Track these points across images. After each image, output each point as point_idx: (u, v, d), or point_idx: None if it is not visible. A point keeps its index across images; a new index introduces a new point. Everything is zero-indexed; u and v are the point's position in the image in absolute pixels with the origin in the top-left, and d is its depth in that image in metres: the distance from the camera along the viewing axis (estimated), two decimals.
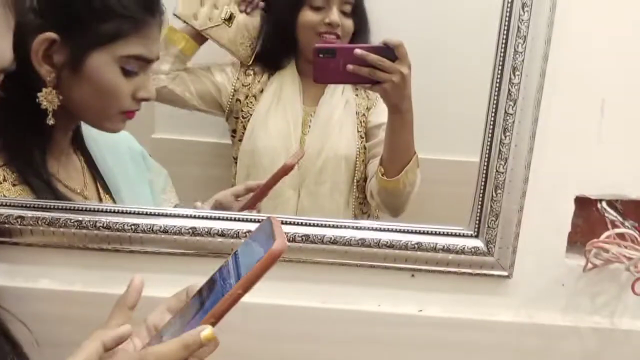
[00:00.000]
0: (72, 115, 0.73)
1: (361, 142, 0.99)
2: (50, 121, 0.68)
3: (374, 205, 0.98)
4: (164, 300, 0.58)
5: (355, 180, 0.99)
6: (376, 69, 0.83)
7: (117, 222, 0.70)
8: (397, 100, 0.84)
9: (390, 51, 0.82)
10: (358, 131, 0.99)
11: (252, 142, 0.99)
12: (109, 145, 0.84)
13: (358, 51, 0.83)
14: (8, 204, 0.70)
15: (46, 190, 0.71)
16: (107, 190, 0.81)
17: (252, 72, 0.97)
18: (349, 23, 0.92)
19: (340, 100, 0.99)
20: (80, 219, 0.70)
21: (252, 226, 0.71)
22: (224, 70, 0.98)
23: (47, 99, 0.68)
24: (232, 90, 0.97)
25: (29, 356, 0.60)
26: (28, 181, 0.71)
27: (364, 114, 0.99)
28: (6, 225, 0.70)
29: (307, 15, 0.92)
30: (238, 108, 0.99)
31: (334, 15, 0.90)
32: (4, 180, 0.69)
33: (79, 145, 0.81)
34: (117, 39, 0.68)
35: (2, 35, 0.50)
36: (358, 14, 0.92)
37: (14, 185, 0.70)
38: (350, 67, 0.84)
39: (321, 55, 0.85)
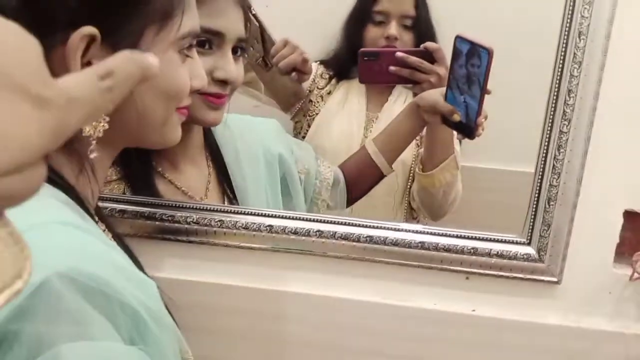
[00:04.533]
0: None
1: (417, 149, 1.05)
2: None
3: (415, 207, 1.04)
4: None
5: (408, 185, 1.06)
6: (416, 70, 0.91)
7: (204, 218, 0.79)
8: None
9: (428, 54, 0.90)
10: (415, 139, 1.05)
11: (315, 140, 1.07)
12: (247, 154, 0.86)
13: (399, 54, 0.91)
14: (111, 199, 0.80)
15: (148, 191, 0.79)
16: (235, 200, 0.84)
17: (327, 76, 1.05)
18: (409, 36, 0.99)
19: (402, 107, 1.07)
20: (173, 213, 0.80)
21: (318, 226, 0.79)
22: None
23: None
24: (307, 91, 1.05)
25: None
26: (129, 180, 0.81)
27: None
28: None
29: (371, 31, 0.99)
30: (307, 107, 1.07)
31: (392, 29, 0.97)
32: (113, 179, 0.79)
33: (212, 152, 0.85)
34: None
35: None
36: (419, 27, 0.99)
37: (118, 181, 0.80)
38: (392, 68, 0.92)
39: (366, 58, 0.94)
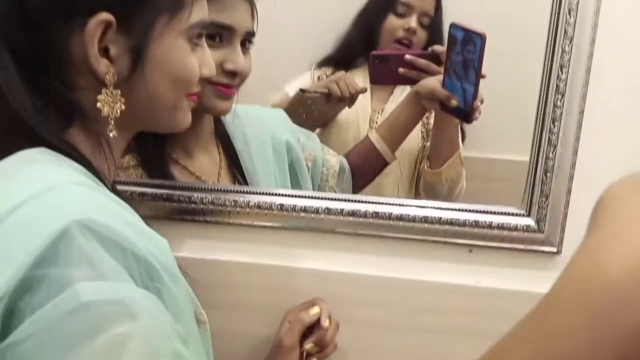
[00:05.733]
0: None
1: (422, 142, 1.09)
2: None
3: None
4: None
5: (415, 177, 1.10)
6: (423, 72, 0.95)
7: (219, 198, 0.84)
8: None
9: (436, 57, 0.95)
10: (421, 132, 1.09)
11: (323, 134, 1.10)
12: (256, 140, 0.92)
13: (408, 57, 0.96)
14: (131, 182, 0.86)
15: (163, 176, 0.85)
16: (245, 185, 0.89)
17: (330, 72, 1.09)
18: (423, 34, 1.03)
19: None
20: (190, 194, 0.85)
21: (327, 203, 0.84)
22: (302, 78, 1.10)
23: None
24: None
25: None
26: (146, 166, 0.86)
27: (427, 116, 1.09)
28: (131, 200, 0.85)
29: (391, 21, 1.03)
30: None
31: (413, 22, 1.01)
32: (131, 165, 0.85)
33: (223, 140, 0.91)
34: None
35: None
36: (433, 28, 1.03)
37: (135, 167, 0.86)
38: (401, 70, 0.96)
39: (377, 61, 0.98)
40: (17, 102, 0.53)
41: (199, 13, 0.58)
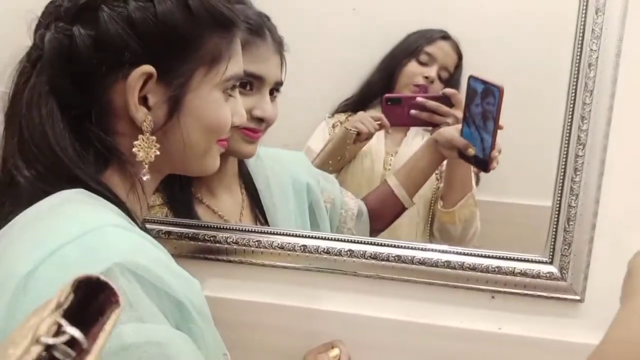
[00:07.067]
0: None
1: (437, 183, 1.11)
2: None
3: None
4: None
5: (430, 217, 1.11)
6: (435, 113, 0.98)
7: (243, 238, 0.85)
8: None
9: (447, 99, 0.98)
10: (435, 173, 1.11)
11: (339, 176, 1.13)
12: (277, 182, 0.94)
13: (419, 99, 0.99)
14: (158, 221, 0.87)
15: (188, 214, 0.87)
16: (266, 224, 0.91)
17: (344, 118, 1.12)
18: (439, 87, 1.06)
19: (419, 142, 1.13)
20: (214, 234, 0.86)
21: (349, 246, 0.85)
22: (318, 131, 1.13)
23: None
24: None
25: None
26: (171, 205, 0.88)
27: None
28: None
29: (413, 67, 1.07)
30: None
31: (433, 72, 1.04)
32: (157, 204, 0.86)
33: (245, 181, 0.93)
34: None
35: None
36: (449, 84, 1.06)
37: (161, 206, 0.88)
38: (413, 112, 1.00)
39: (389, 103, 1.01)
40: (59, 145, 0.55)
41: (235, 67, 0.61)
